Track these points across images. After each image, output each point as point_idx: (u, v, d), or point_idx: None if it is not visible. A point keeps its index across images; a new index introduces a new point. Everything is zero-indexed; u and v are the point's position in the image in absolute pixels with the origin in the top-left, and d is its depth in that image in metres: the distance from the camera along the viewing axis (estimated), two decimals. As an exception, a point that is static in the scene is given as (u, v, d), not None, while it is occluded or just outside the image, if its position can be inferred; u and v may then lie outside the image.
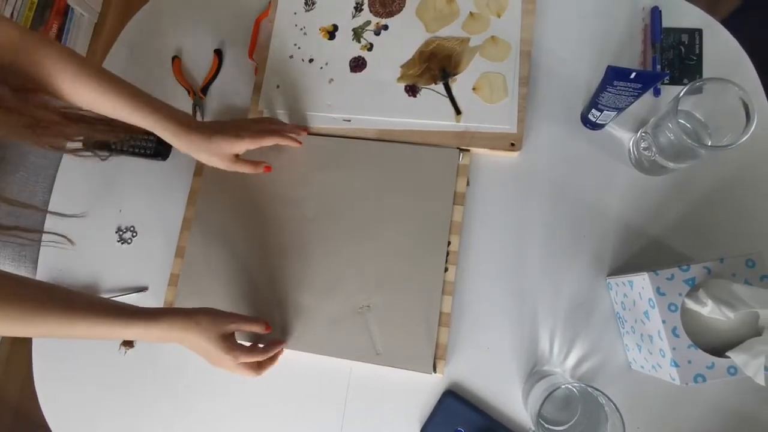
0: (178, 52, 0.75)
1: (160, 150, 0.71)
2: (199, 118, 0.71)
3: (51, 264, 0.71)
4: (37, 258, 0.71)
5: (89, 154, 0.66)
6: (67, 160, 0.74)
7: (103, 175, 0.73)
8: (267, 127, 0.63)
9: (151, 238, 0.69)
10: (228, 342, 0.54)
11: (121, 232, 0.71)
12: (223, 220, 0.67)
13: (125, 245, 0.70)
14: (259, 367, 0.57)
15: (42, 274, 0.70)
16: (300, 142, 0.65)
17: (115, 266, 0.69)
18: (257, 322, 0.58)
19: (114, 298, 0.67)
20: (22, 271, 0.74)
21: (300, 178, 0.66)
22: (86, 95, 0.55)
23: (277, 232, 0.65)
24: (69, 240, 0.60)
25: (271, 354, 0.58)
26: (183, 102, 0.72)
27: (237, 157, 0.61)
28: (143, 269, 0.69)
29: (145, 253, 0.69)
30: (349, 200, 0.64)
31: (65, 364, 0.67)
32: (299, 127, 0.67)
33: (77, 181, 0.73)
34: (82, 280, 0.70)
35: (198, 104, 0.72)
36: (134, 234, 0.70)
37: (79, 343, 0.67)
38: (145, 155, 0.71)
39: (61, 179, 0.74)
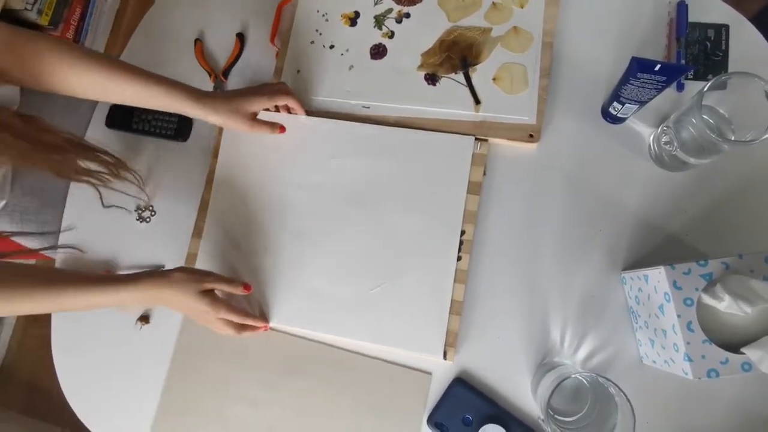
0: (201, 36, 0.76)
1: (180, 131, 0.72)
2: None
3: (71, 241, 0.72)
4: (59, 235, 0.73)
5: (98, 181, 0.64)
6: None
7: (123, 155, 0.74)
8: (280, 87, 0.64)
9: (169, 217, 0.71)
10: (209, 297, 0.57)
11: (140, 211, 0.72)
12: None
13: (144, 224, 0.71)
14: (240, 328, 0.59)
15: (63, 252, 0.72)
16: (305, 111, 0.67)
17: (134, 244, 0.71)
18: (235, 283, 0.59)
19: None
20: (46, 244, 0.75)
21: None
22: (88, 81, 0.57)
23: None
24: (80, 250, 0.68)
25: (249, 321, 0.60)
26: (204, 85, 0.73)
27: (255, 118, 0.63)
28: (161, 248, 0.70)
29: (164, 232, 0.70)
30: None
31: (83, 338, 0.69)
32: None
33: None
34: (102, 257, 0.71)
35: (219, 87, 0.73)
36: (153, 213, 0.71)
37: (98, 318, 0.69)
38: (165, 136, 0.72)
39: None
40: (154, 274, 0.56)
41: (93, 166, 0.62)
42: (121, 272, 0.69)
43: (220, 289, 0.59)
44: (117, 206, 0.70)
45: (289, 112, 0.67)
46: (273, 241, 0.65)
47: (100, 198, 0.67)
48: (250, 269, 0.65)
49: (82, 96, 0.59)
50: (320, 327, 0.62)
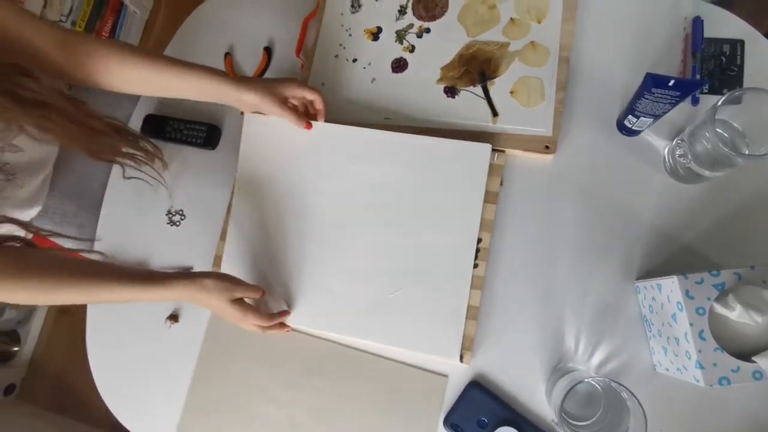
0: (230, 49, 0.80)
1: (209, 139, 0.76)
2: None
3: (107, 241, 0.76)
4: (95, 235, 0.77)
5: (134, 164, 0.70)
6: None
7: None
8: (309, 85, 0.67)
9: (198, 221, 0.74)
10: (239, 305, 0.60)
11: (170, 215, 0.76)
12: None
13: (174, 227, 0.75)
14: (265, 329, 0.63)
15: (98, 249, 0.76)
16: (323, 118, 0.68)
17: (165, 246, 0.75)
18: (256, 289, 0.63)
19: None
20: (83, 246, 0.80)
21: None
22: (136, 75, 0.61)
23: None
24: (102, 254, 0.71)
25: (276, 321, 0.63)
26: (233, 96, 0.77)
27: (286, 102, 0.65)
28: (189, 250, 0.73)
29: (192, 235, 0.74)
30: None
31: (116, 334, 0.73)
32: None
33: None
34: (134, 257, 0.75)
35: (247, 98, 0.77)
36: (182, 217, 0.75)
37: (130, 314, 0.72)
38: (195, 144, 0.76)
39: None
40: (188, 278, 0.59)
41: (131, 150, 0.67)
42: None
43: (245, 296, 0.62)
44: (136, 178, 0.72)
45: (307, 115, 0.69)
46: (293, 244, 0.68)
47: (123, 170, 0.70)
48: (272, 271, 0.68)
49: (129, 91, 0.63)
50: (340, 329, 0.65)
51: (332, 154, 0.69)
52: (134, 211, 0.77)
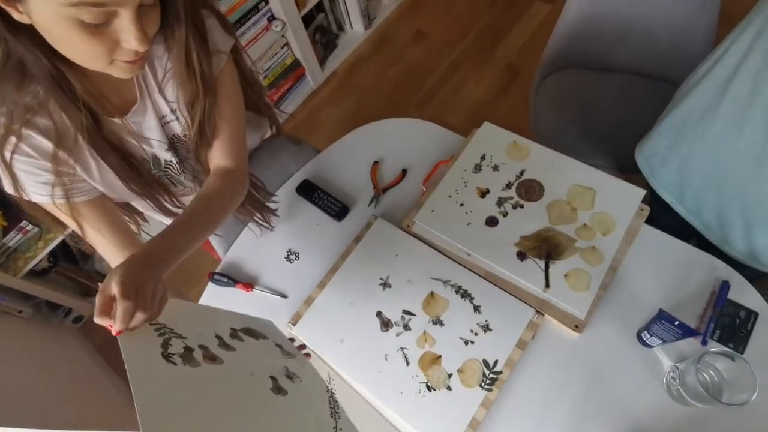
0: (380, 160, 1.09)
1: (339, 214, 1.03)
2: (373, 207, 1.03)
3: (239, 252, 1.03)
4: (230, 246, 1.05)
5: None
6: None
7: (295, 214, 1.06)
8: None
9: (307, 265, 0.99)
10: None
11: (289, 253, 1.02)
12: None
13: (288, 263, 1.01)
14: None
15: (231, 255, 1.03)
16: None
17: (277, 274, 1.00)
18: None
19: (263, 292, 0.97)
20: (224, 246, 1.08)
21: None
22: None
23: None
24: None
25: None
26: (368, 193, 1.05)
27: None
28: (293, 283, 0.98)
29: (299, 273, 0.99)
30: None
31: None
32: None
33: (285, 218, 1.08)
34: (252, 272, 1.01)
35: (376, 198, 1.04)
36: (297, 258, 1.01)
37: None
38: (329, 213, 1.04)
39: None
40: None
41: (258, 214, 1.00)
42: (259, 287, 0.98)
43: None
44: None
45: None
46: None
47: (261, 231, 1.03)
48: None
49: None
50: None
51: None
52: (266, 243, 1.04)
